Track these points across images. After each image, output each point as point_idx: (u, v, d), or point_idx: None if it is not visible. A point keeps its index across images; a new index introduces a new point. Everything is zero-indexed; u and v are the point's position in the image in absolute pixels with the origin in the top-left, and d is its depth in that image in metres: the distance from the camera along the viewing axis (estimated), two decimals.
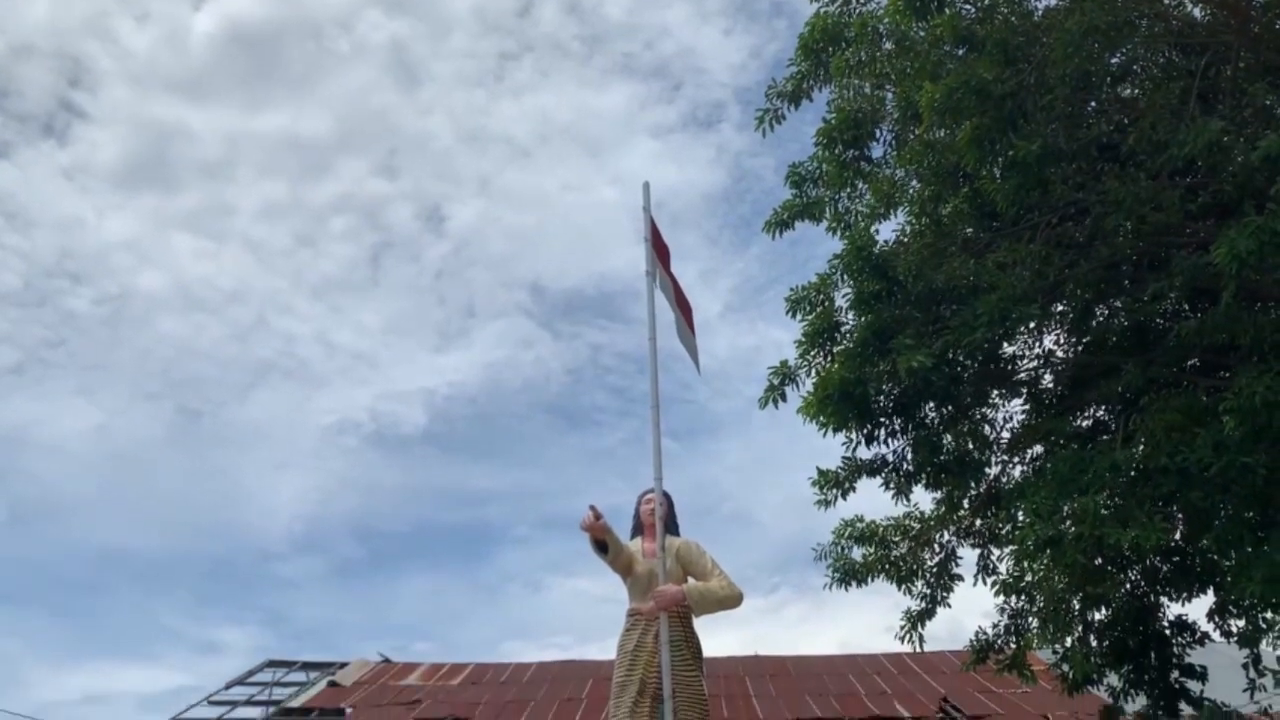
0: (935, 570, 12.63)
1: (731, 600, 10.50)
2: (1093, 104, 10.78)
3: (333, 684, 26.97)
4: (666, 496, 10.88)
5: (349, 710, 24.66)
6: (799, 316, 11.47)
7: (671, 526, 10.73)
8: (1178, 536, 11.99)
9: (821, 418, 10.91)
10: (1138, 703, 14.20)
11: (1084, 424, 12.54)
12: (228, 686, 26.70)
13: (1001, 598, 13.39)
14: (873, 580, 12.27)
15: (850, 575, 11.95)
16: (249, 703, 25.71)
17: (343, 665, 28.93)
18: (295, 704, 25.36)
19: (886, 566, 12.17)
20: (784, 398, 11.18)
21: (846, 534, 12.13)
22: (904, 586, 12.40)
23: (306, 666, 28.70)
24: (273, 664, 28.59)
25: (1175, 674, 13.48)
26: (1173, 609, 13.40)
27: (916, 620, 13.03)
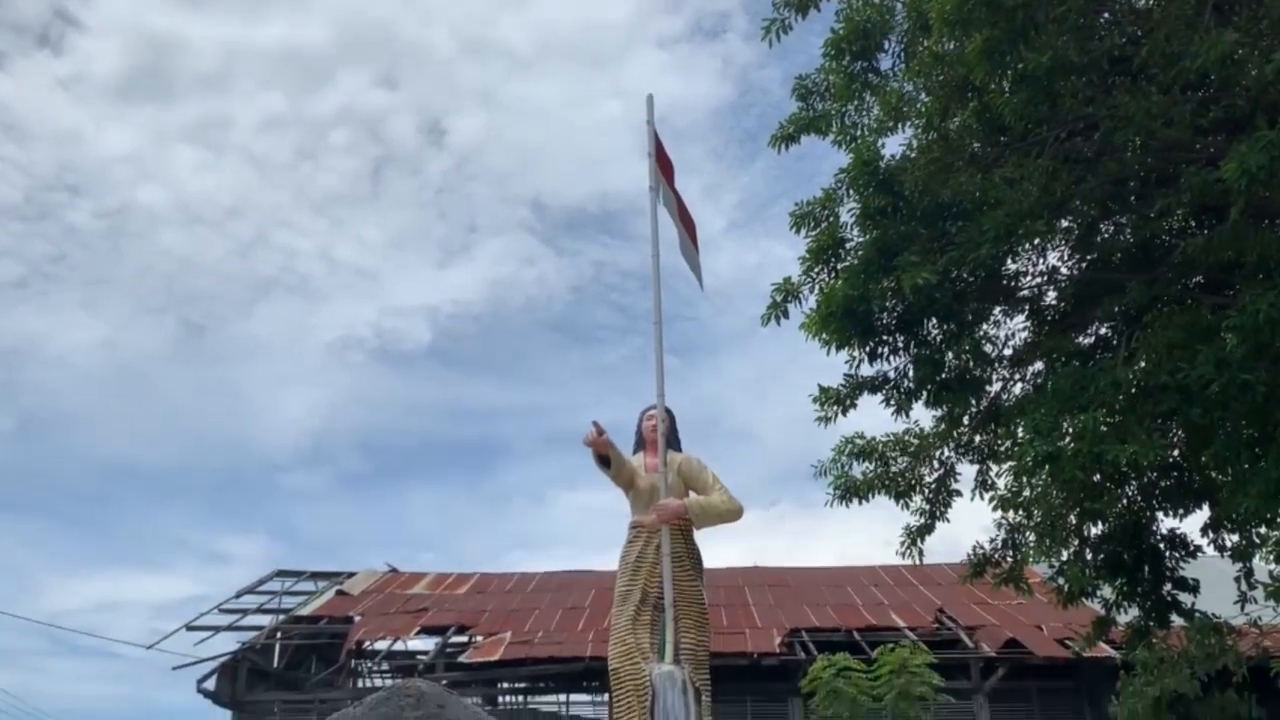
0: (934, 486, 12.76)
1: (732, 514, 10.65)
2: (1105, 15, 10.54)
3: (341, 593, 27.54)
4: (668, 412, 10.97)
5: (357, 618, 25.21)
6: (803, 232, 11.39)
7: (673, 442, 10.84)
8: (1175, 453, 12.10)
9: (824, 335, 10.92)
10: (1130, 614, 14.49)
11: (1086, 341, 12.55)
12: (238, 595, 27.27)
13: (999, 513, 13.56)
14: (873, 497, 12.40)
15: (850, 492, 12.08)
16: (259, 610, 26.29)
17: (350, 575, 29.52)
18: (304, 612, 25.94)
19: (885, 482, 12.29)
20: (786, 315, 11.17)
21: (846, 451, 12.22)
22: (902, 502, 12.55)
23: (315, 576, 29.29)
24: (282, 574, 29.16)
25: (1168, 587, 13.72)
26: (1168, 524, 13.58)
27: (916, 535, 13.20)
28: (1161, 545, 13.69)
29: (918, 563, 14.14)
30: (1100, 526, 13.77)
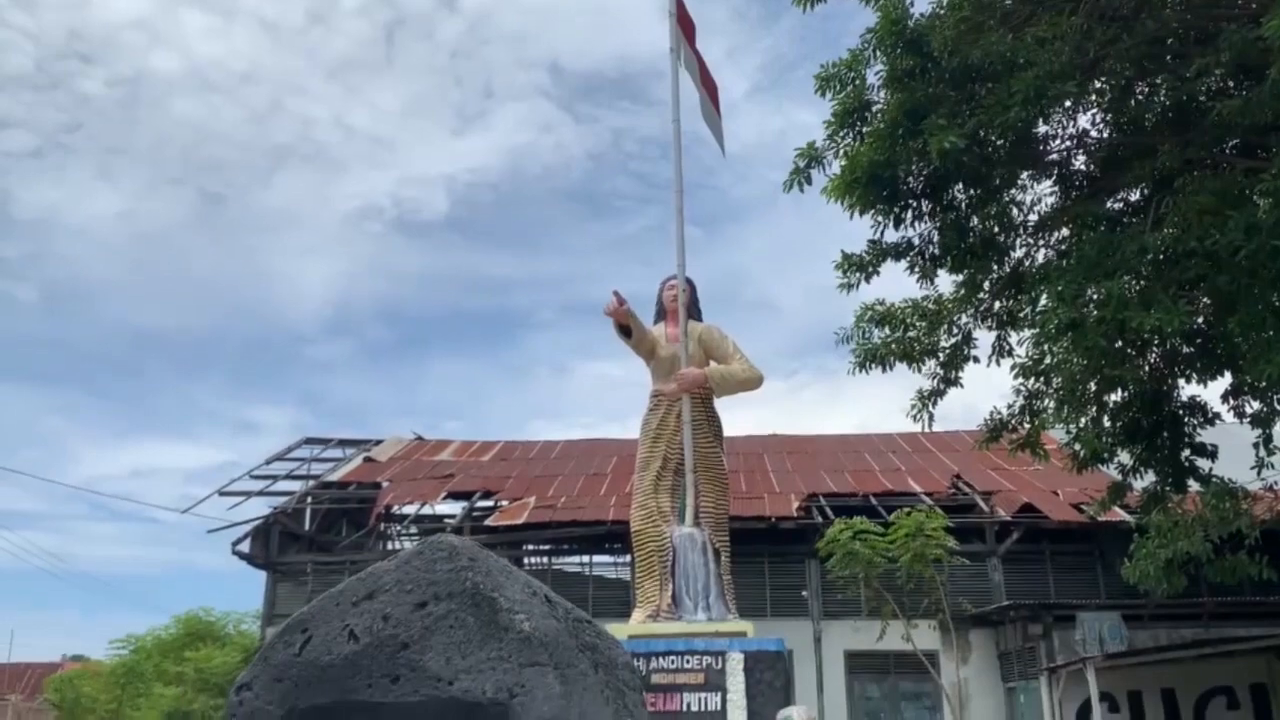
0: (949, 351, 12.76)
1: (752, 382, 10.78)
2: None
3: (368, 459, 28.15)
4: (689, 282, 11.00)
5: (385, 483, 25.84)
6: (828, 95, 11.09)
7: (694, 311, 10.89)
8: (1200, 320, 12.01)
9: (848, 200, 10.75)
10: (1146, 479, 14.64)
11: (1114, 207, 12.33)
12: (268, 462, 27.91)
13: (1018, 379, 13.58)
14: (894, 365, 12.42)
15: (871, 358, 12.09)
16: (289, 477, 26.95)
17: (377, 442, 30.12)
18: (333, 478, 26.58)
19: (902, 347, 12.29)
20: (809, 181, 10.97)
21: (867, 317, 12.19)
22: (915, 365, 12.57)
23: (343, 443, 29.91)
24: (310, 441, 29.78)
25: (1186, 452, 13.82)
26: (1189, 391, 13.60)
27: (928, 399, 13.29)
28: (1181, 412, 13.73)
29: (928, 427, 14.25)
30: (1120, 393, 13.79)
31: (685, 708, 8.46)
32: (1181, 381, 13.72)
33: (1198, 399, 13.48)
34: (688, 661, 8.54)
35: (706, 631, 8.95)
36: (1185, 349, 13.16)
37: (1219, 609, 19.16)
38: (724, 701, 8.45)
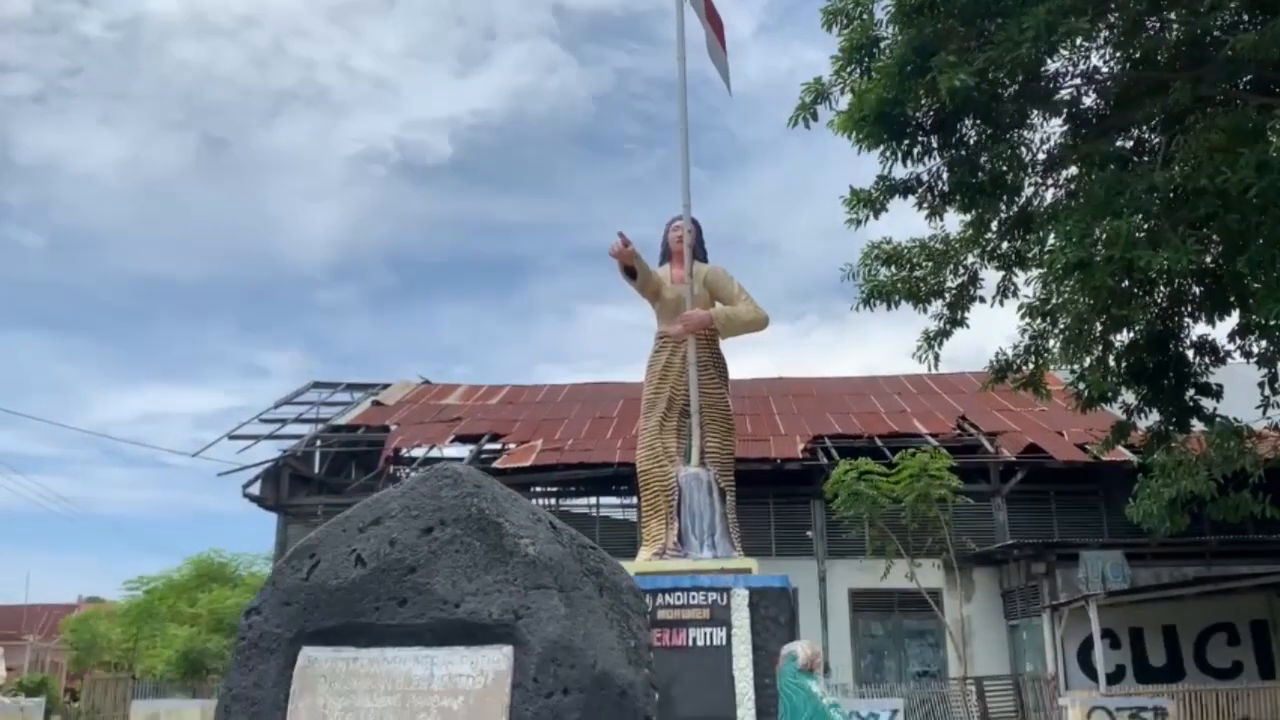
0: (955, 291, 12.73)
1: (757, 323, 10.76)
2: None
3: (377, 403, 28.29)
4: (694, 223, 10.93)
5: (394, 427, 26.00)
6: (835, 30, 10.93)
7: (699, 253, 10.84)
8: (1209, 260, 11.95)
9: (856, 135, 10.66)
10: (1150, 419, 14.68)
11: (1124, 145, 12.20)
12: (277, 406, 28.06)
13: (1024, 320, 13.56)
14: (899, 303, 12.40)
15: (876, 295, 12.06)
16: (298, 420, 27.11)
17: (385, 386, 30.24)
18: (342, 421, 26.73)
19: (909, 287, 12.26)
20: (815, 117, 10.85)
21: (873, 255, 12.14)
22: (921, 306, 12.55)
23: (351, 387, 30.03)
24: (318, 385, 29.91)
25: (1191, 392, 13.83)
26: (1197, 330, 13.57)
27: (933, 340, 13.29)
28: (1188, 352, 13.72)
29: (933, 368, 14.25)
30: (1126, 333, 13.77)
31: (691, 643, 8.57)
32: (1189, 321, 13.69)
33: (1206, 338, 13.45)
34: (693, 598, 8.63)
35: (712, 568, 9.03)
36: (1193, 289, 13.12)
37: (1221, 547, 19.30)
38: (729, 636, 8.55)
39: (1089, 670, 18.47)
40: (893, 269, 12.31)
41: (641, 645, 1.83)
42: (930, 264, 12.60)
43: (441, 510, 1.87)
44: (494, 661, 1.76)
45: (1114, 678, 18.10)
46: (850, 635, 21.94)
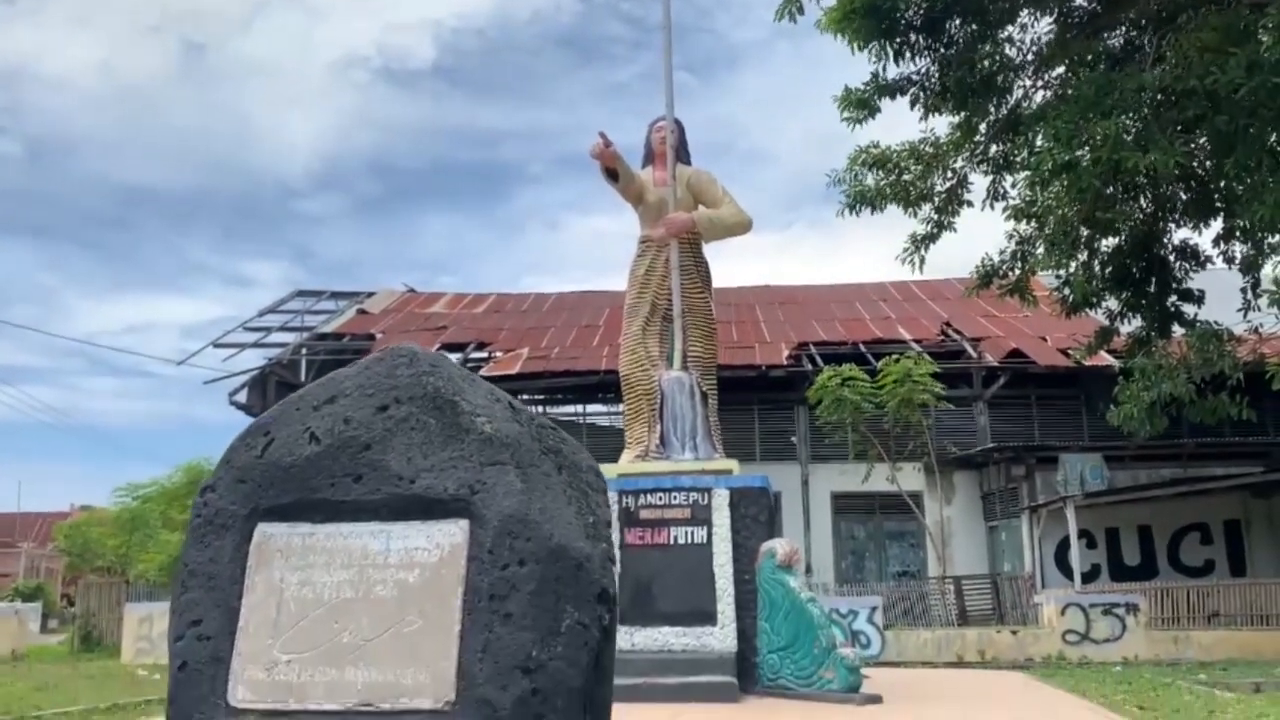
0: (944, 195, 12.66)
1: (740, 226, 10.68)
2: None
3: (361, 312, 28.18)
4: (677, 124, 10.75)
5: (379, 335, 25.95)
6: None
7: (682, 155, 10.69)
8: (1195, 164, 11.88)
9: (847, 32, 10.45)
10: (1132, 325, 14.75)
11: (1114, 44, 12.01)
12: (261, 314, 27.92)
13: (1011, 224, 13.52)
14: (884, 208, 12.32)
15: (862, 200, 11.98)
16: (283, 329, 27.00)
17: (370, 295, 30.09)
18: (327, 330, 26.65)
19: (897, 191, 12.17)
20: (801, 10, 10.61)
21: (860, 160, 12.02)
22: (910, 210, 12.47)
23: (335, 296, 29.87)
24: (303, 293, 29.74)
25: (1173, 298, 13.88)
26: (1180, 235, 13.58)
27: (920, 244, 13.24)
28: (1171, 257, 13.73)
29: (918, 271, 14.24)
30: (1110, 239, 13.77)
31: (673, 541, 8.71)
32: (1172, 227, 13.69)
33: (1189, 242, 13.46)
34: (675, 498, 8.75)
35: (693, 469, 9.13)
36: (1178, 193, 13.07)
37: (1198, 449, 19.59)
38: (710, 535, 8.69)
39: (1065, 569, 18.90)
40: (880, 174, 12.21)
41: (600, 521, 1.84)
42: (919, 168, 12.49)
43: (397, 389, 1.86)
44: (450, 535, 1.77)
45: (1089, 576, 18.54)
46: (832, 537, 22.33)
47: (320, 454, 1.83)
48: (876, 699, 7.93)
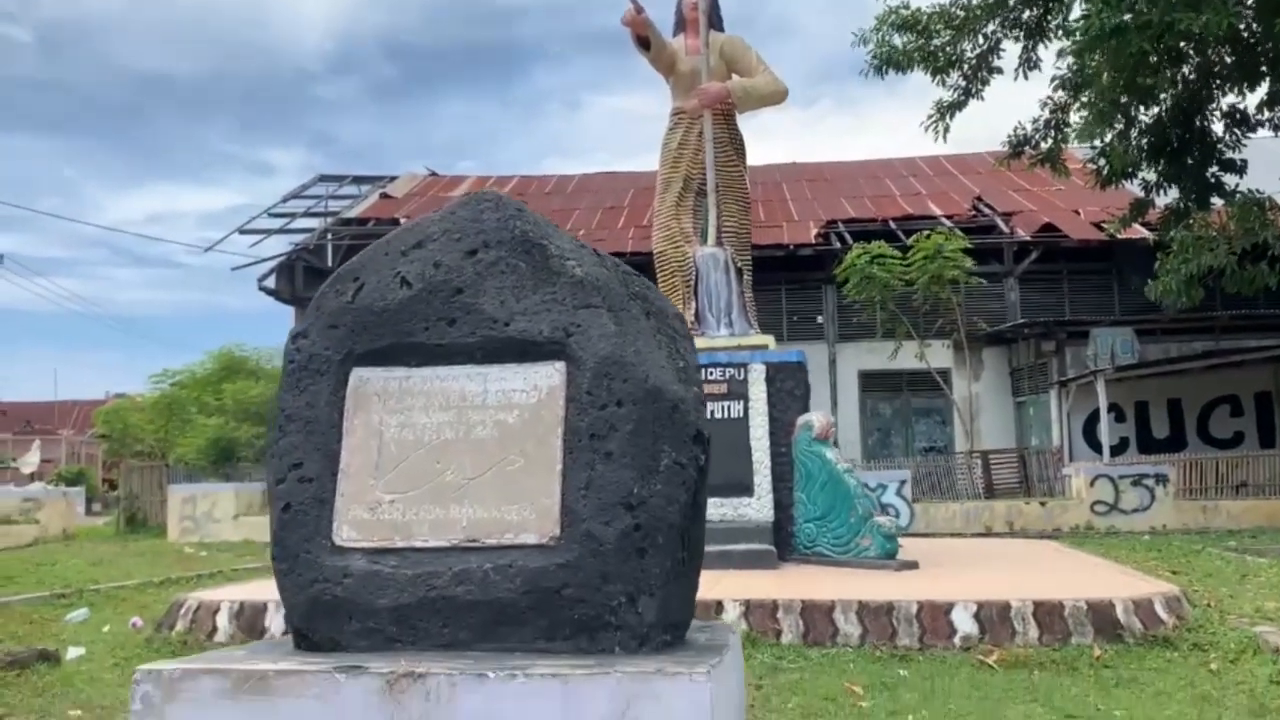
0: (974, 61, 12.31)
1: (776, 95, 10.42)
2: None
3: (385, 196, 28.02)
4: None
5: (403, 220, 25.84)
6: None
7: (715, 21, 10.37)
8: (1243, 27, 11.51)
9: None
10: (1169, 196, 14.48)
11: None
12: (285, 200, 27.81)
13: (1054, 92, 13.20)
14: (911, 70, 12.01)
15: (889, 62, 11.67)
16: (307, 214, 26.93)
17: (393, 179, 29.86)
18: (351, 214, 26.55)
19: (925, 56, 11.84)
20: None
21: (889, 20, 11.67)
22: (939, 78, 12.16)
23: (358, 180, 29.66)
24: (325, 178, 29.54)
25: (1214, 168, 13.59)
26: (1226, 101, 13.24)
27: (946, 111, 12.95)
28: (1215, 126, 13.43)
29: (943, 140, 13.96)
30: (1150, 108, 13.44)
31: (709, 416, 8.77)
32: (1217, 93, 13.35)
33: (1236, 107, 13.12)
34: (711, 374, 8.77)
35: (729, 345, 9.14)
36: (1225, 58, 12.69)
37: (1231, 322, 19.43)
38: (746, 409, 8.75)
39: (1093, 444, 18.99)
40: (909, 36, 11.87)
41: (690, 366, 1.83)
42: (949, 32, 12.14)
43: (484, 233, 1.84)
44: (547, 377, 1.78)
45: (1117, 450, 18.63)
46: (859, 416, 22.48)
47: (412, 298, 1.82)
48: (913, 565, 8.08)
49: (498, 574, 1.66)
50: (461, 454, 1.74)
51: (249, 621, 7.05)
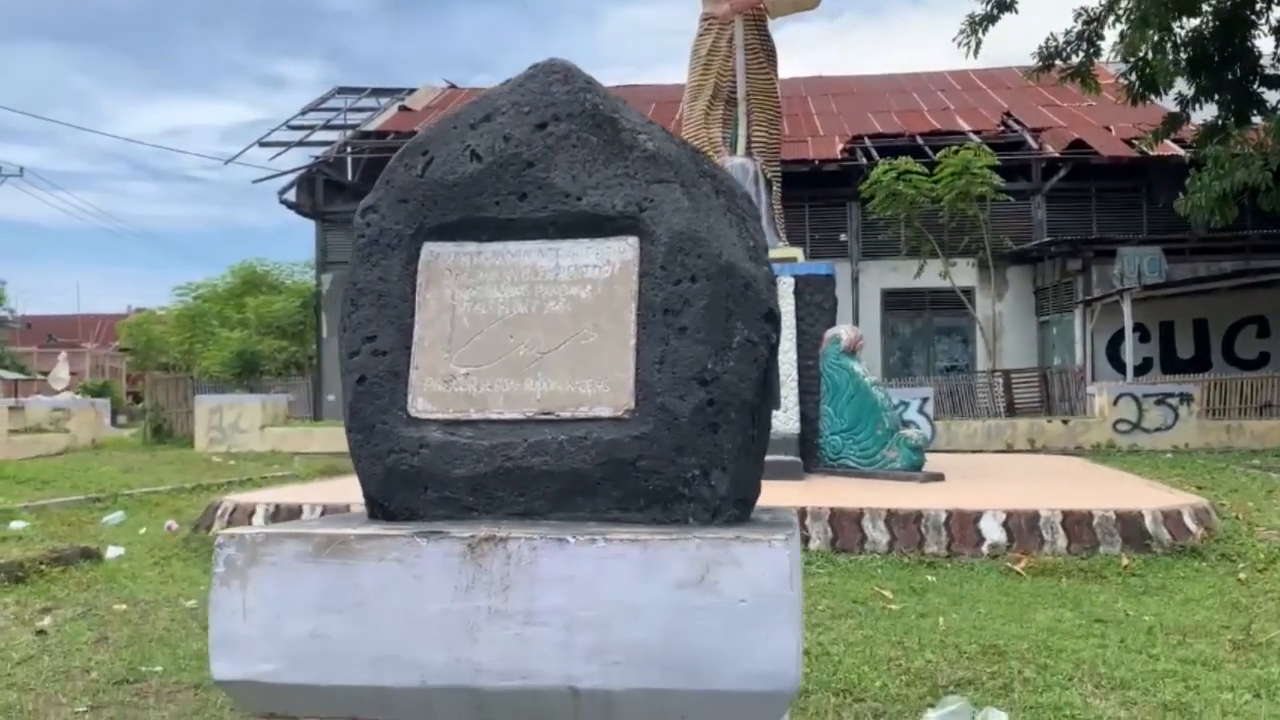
0: None
1: (808, 0, 10.20)
2: None
3: (404, 109, 27.71)
4: None
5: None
6: None
7: None
8: None
9: None
10: (1205, 113, 14.16)
11: None
12: (304, 112, 27.54)
13: (1080, 1, 12.87)
14: None
15: None
16: (326, 127, 26.69)
17: (411, 91, 29.49)
18: (371, 127, 26.30)
19: None
20: None
21: None
22: None
23: (376, 93, 29.32)
24: (343, 91, 29.20)
25: (1255, 83, 13.27)
26: (1275, 16, 12.87)
27: (978, 24, 12.64)
28: (1260, 40, 13.09)
29: (974, 55, 13.67)
30: (1190, 19, 13.08)
31: None
32: (1262, 4, 12.97)
33: None
34: None
35: None
36: None
37: (1262, 241, 19.15)
38: None
39: (1116, 364, 18.92)
40: None
41: (759, 247, 1.82)
42: None
43: (554, 105, 1.81)
44: (620, 252, 1.76)
45: (1140, 370, 18.56)
46: (881, 334, 22.42)
47: (483, 172, 1.80)
48: (938, 477, 8.13)
49: (573, 445, 1.68)
50: (534, 328, 1.74)
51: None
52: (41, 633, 4.98)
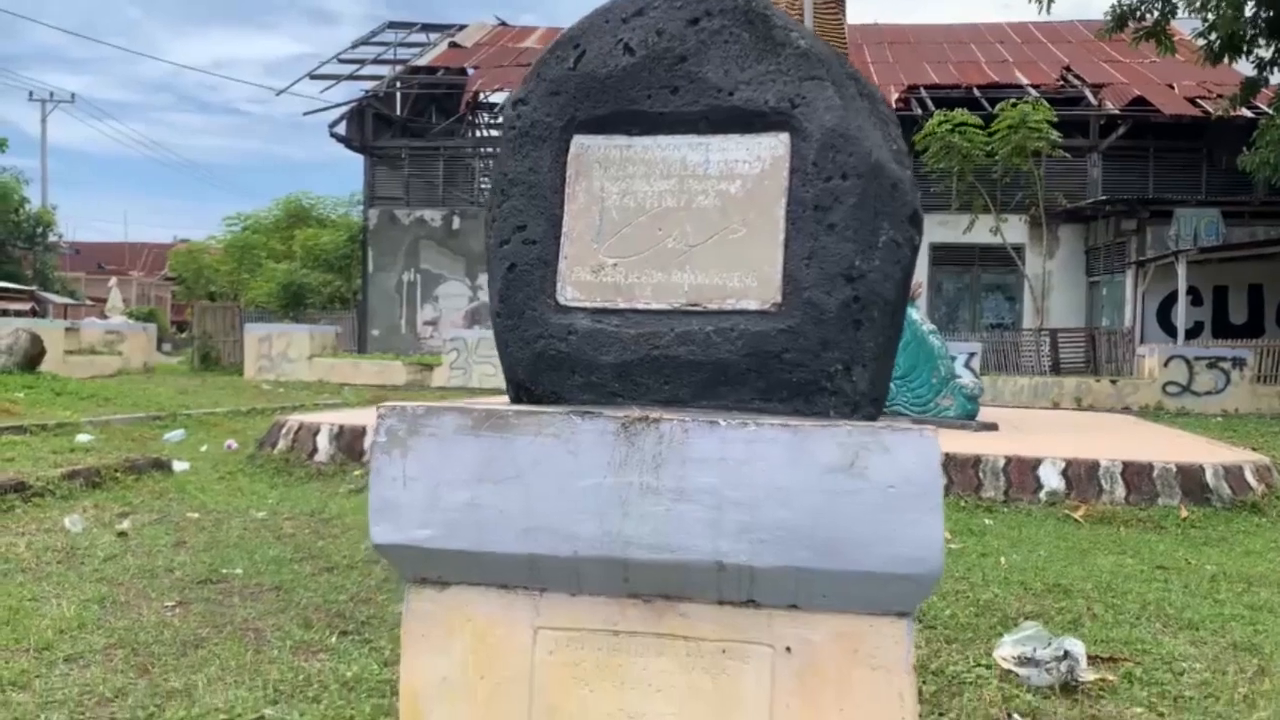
0: None
1: None
2: None
3: (454, 45, 27.58)
4: None
5: (472, 70, 25.48)
6: None
7: None
8: None
9: None
10: None
11: None
12: (354, 46, 27.50)
13: None
14: None
15: None
16: (376, 61, 26.65)
17: (462, 27, 29.33)
18: (421, 63, 26.23)
19: None
20: None
21: None
22: None
23: (427, 28, 29.18)
24: (394, 25, 29.09)
25: None
26: None
27: None
28: None
29: (1045, 11, 13.39)
30: None
31: None
32: None
33: None
34: None
35: None
36: None
37: None
38: None
39: (1166, 327, 18.70)
40: None
41: (902, 151, 1.83)
42: None
43: (706, 1, 1.82)
44: (771, 148, 1.78)
45: (1192, 333, 18.33)
46: (927, 288, 22.24)
47: (635, 65, 1.82)
48: (993, 426, 8.13)
49: (719, 336, 1.71)
50: (684, 222, 1.77)
51: (348, 443, 7.32)
52: (123, 534, 5.15)
